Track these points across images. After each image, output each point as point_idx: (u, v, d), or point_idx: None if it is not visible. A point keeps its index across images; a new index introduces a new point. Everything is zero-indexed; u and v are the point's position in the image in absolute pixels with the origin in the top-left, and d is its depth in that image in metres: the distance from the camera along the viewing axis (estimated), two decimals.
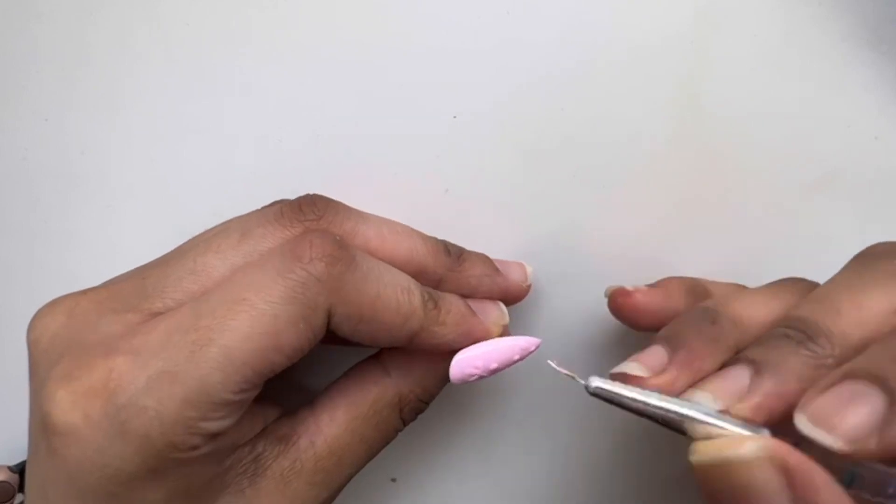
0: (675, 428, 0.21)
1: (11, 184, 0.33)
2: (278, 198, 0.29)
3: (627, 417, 0.23)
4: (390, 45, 0.31)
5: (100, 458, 0.22)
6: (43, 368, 0.24)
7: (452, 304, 0.26)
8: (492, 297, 0.28)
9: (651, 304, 0.26)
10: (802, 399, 0.20)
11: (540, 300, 0.32)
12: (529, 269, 0.30)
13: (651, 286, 0.28)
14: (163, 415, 0.22)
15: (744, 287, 0.26)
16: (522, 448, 0.33)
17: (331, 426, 0.26)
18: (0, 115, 0.32)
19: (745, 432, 0.21)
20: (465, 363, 0.26)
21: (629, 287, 0.26)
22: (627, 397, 0.21)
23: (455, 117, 0.31)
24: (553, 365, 0.24)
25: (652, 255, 0.31)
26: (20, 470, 0.31)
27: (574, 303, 0.32)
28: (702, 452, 0.20)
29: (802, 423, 0.20)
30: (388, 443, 0.28)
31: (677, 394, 0.22)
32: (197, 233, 0.27)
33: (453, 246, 0.29)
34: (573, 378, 0.23)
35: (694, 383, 0.22)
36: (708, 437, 0.21)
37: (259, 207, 0.29)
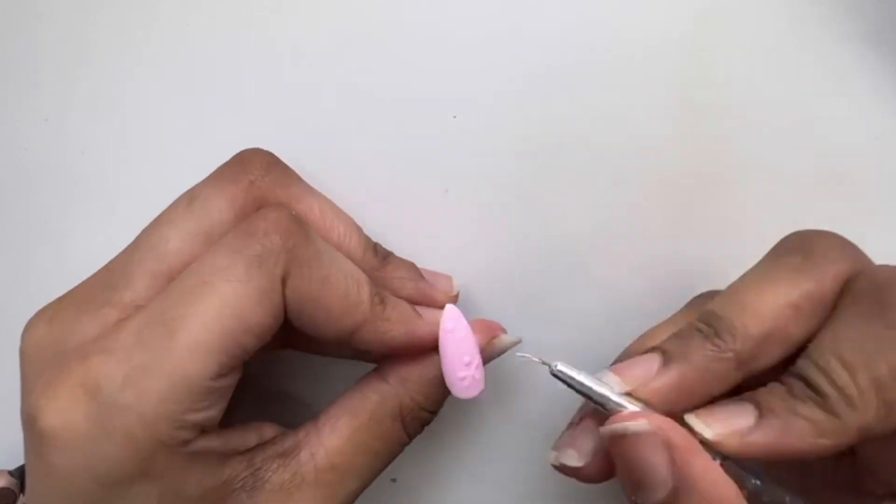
0: (610, 410, 0.24)
1: (11, 184, 0.33)
2: None
3: None
4: (390, 46, 0.31)
5: (87, 462, 0.22)
6: (30, 379, 0.24)
7: (399, 304, 0.26)
8: (415, 302, 0.28)
9: (601, 472, 0.25)
10: (703, 411, 0.23)
11: (540, 300, 0.32)
12: (455, 282, 0.30)
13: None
14: (144, 411, 0.22)
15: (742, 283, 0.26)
16: (522, 448, 0.33)
17: (331, 438, 0.26)
18: (0, 115, 0.32)
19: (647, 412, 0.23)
20: (451, 379, 0.26)
21: (572, 460, 0.25)
22: (575, 380, 0.24)
23: (455, 117, 0.31)
24: (525, 356, 0.25)
25: (652, 255, 0.31)
26: (20, 475, 0.31)
27: (574, 302, 0.32)
28: (606, 425, 0.23)
29: (690, 418, 0.23)
30: (393, 457, 0.27)
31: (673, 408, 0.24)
32: None
33: (381, 248, 0.29)
34: (544, 363, 0.25)
35: (693, 407, 0.24)
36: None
37: None
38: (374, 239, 0.30)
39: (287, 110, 0.32)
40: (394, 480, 0.33)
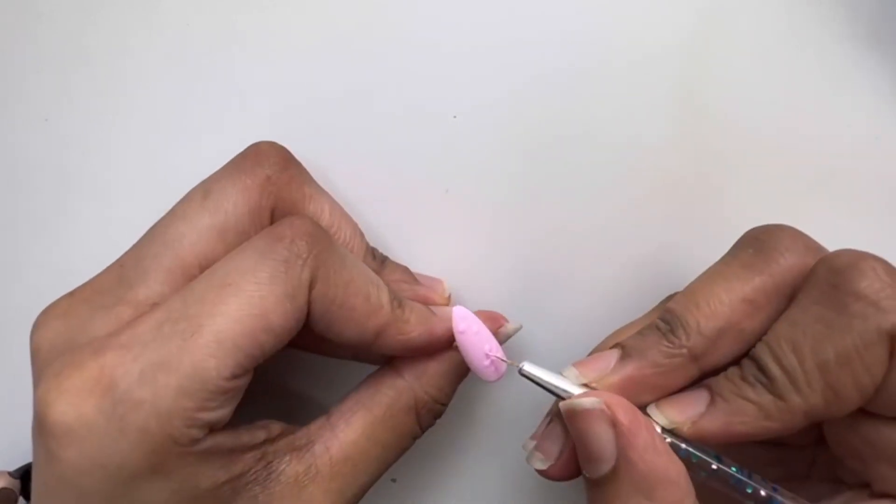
0: None
1: (11, 184, 0.33)
2: None
3: None
4: (391, 46, 0.31)
5: (99, 458, 0.22)
6: (42, 374, 0.24)
7: (415, 306, 0.27)
8: None
9: (565, 472, 0.26)
10: (661, 401, 0.25)
11: (539, 300, 0.32)
12: (447, 285, 0.30)
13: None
14: (159, 406, 0.22)
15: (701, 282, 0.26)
16: (521, 450, 0.33)
17: (346, 431, 0.26)
18: (0, 115, 0.32)
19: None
20: (477, 368, 0.27)
21: (539, 463, 0.26)
22: (540, 378, 0.25)
23: (455, 117, 0.31)
24: (495, 357, 0.27)
25: (652, 255, 0.31)
26: (21, 475, 0.30)
27: (573, 302, 0.32)
28: (563, 402, 0.24)
29: (650, 408, 0.25)
30: (404, 450, 0.28)
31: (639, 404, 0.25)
32: None
33: (378, 252, 0.29)
34: (512, 364, 0.26)
35: (652, 397, 0.25)
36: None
37: None
38: (375, 238, 0.30)
39: (287, 110, 0.31)
40: (394, 480, 0.33)
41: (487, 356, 0.27)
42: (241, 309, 0.23)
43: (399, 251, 0.31)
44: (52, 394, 0.22)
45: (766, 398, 0.23)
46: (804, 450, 0.27)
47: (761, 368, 0.23)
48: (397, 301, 0.26)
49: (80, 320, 0.25)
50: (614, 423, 0.23)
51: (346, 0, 0.31)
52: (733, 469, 0.24)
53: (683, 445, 0.24)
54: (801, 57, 0.30)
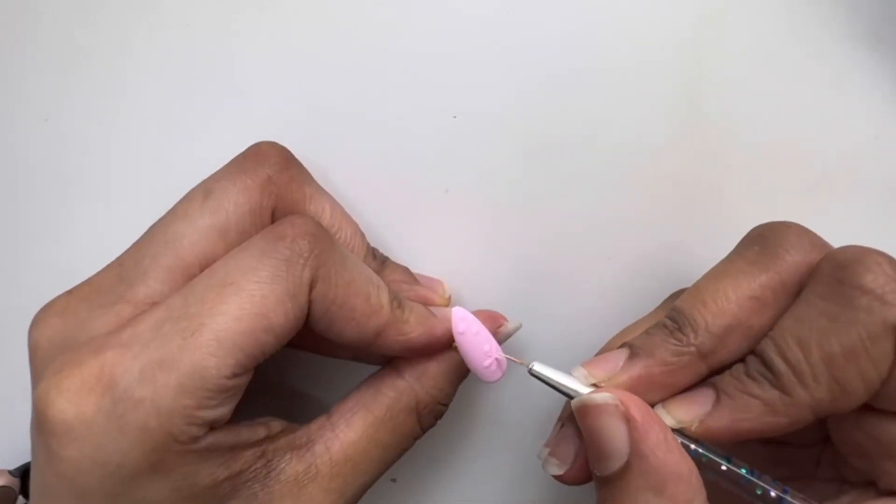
0: None
1: (11, 184, 0.33)
2: None
3: None
4: (391, 46, 0.31)
5: (99, 456, 0.22)
6: (41, 372, 0.24)
7: (414, 306, 0.27)
8: None
9: (580, 476, 0.26)
10: (668, 400, 0.25)
11: (539, 300, 0.32)
12: (447, 286, 0.30)
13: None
14: (159, 404, 0.22)
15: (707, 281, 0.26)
16: (522, 448, 0.33)
17: (347, 432, 0.26)
18: (0, 115, 0.32)
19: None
20: (477, 370, 0.27)
21: (554, 468, 0.26)
22: (550, 378, 0.25)
23: (455, 117, 0.31)
24: (506, 357, 0.27)
25: (653, 255, 0.31)
26: (21, 474, 0.30)
27: (573, 302, 0.32)
28: (575, 399, 0.25)
29: (658, 408, 0.24)
30: (404, 451, 0.28)
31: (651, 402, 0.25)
32: None
33: (379, 253, 0.29)
34: (522, 363, 0.26)
35: (660, 395, 0.25)
36: None
37: None
38: (375, 238, 0.30)
39: (287, 110, 0.31)
40: (394, 480, 0.33)
41: (488, 356, 0.27)
42: (242, 308, 0.23)
43: (399, 251, 0.31)
44: (52, 392, 0.22)
45: (772, 394, 0.23)
46: (809, 449, 0.27)
47: (766, 364, 0.23)
48: (397, 301, 0.26)
49: (79, 318, 0.25)
50: (627, 419, 0.23)
51: (346, 1, 0.31)
52: (743, 470, 0.24)
53: (693, 446, 0.24)
54: (800, 57, 0.30)
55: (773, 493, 0.24)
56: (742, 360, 0.24)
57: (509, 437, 0.33)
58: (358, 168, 0.31)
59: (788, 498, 0.23)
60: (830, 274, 0.23)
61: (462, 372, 0.28)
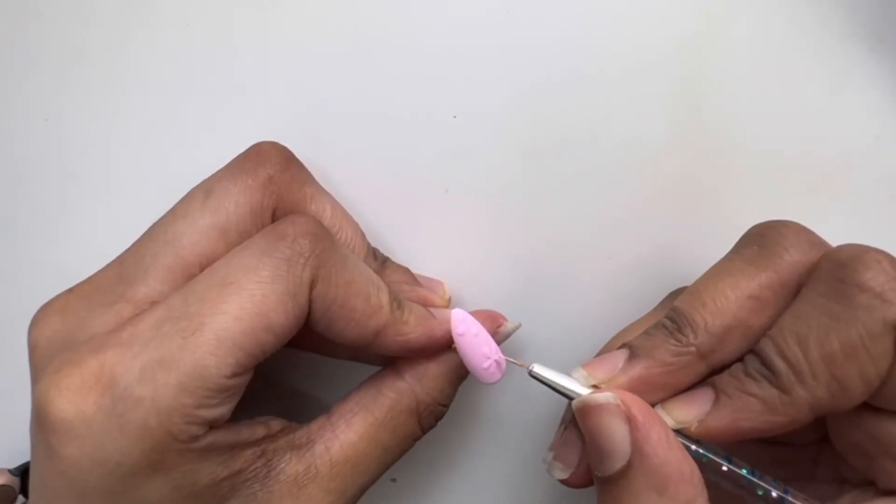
0: None
1: (11, 184, 0.33)
2: None
3: None
4: (391, 46, 0.31)
5: (98, 454, 0.22)
6: (41, 370, 0.24)
7: (414, 307, 0.27)
8: None
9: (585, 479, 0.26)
10: (668, 401, 0.25)
11: (539, 300, 0.32)
12: (447, 287, 0.30)
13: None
14: (159, 403, 0.22)
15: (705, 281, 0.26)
16: (521, 449, 0.33)
17: (347, 432, 0.26)
18: (0, 115, 0.32)
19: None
20: (476, 371, 0.27)
21: (559, 472, 0.26)
22: (550, 380, 0.25)
23: (455, 117, 0.31)
24: (506, 358, 0.27)
25: (651, 256, 0.31)
26: (21, 473, 0.31)
27: (573, 302, 0.32)
28: (576, 400, 0.24)
29: (657, 408, 0.24)
30: (404, 451, 0.28)
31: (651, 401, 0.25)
32: None
33: (380, 253, 0.29)
34: (521, 365, 0.26)
35: (659, 396, 0.25)
36: None
37: None
38: (376, 238, 0.30)
39: (288, 110, 0.31)
40: (394, 480, 0.33)
41: (487, 358, 0.27)
42: (243, 308, 0.23)
43: (399, 251, 0.31)
44: (52, 390, 0.22)
45: (771, 392, 0.23)
46: (807, 449, 0.27)
47: (765, 363, 0.23)
48: (397, 302, 0.26)
49: (79, 317, 0.25)
50: (629, 418, 0.23)
51: (346, 0, 0.31)
52: (744, 470, 0.24)
53: (693, 446, 0.24)
54: (801, 57, 0.30)
55: (774, 494, 0.23)
56: (741, 359, 0.24)
57: (509, 437, 0.33)
58: (358, 168, 0.31)
59: (789, 498, 0.23)
60: (830, 272, 0.23)
61: (462, 373, 0.28)
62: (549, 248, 0.31)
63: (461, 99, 0.31)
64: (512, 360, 0.27)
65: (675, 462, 0.23)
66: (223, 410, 0.23)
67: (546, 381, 0.25)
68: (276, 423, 0.26)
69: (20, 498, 0.30)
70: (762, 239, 0.25)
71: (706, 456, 0.24)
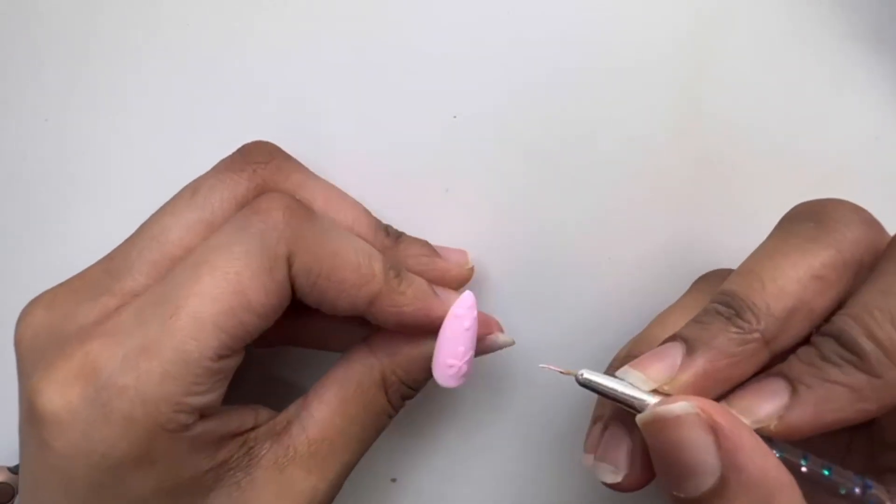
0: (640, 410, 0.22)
1: (11, 184, 0.33)
2: None
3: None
4: (390, 46, 0.31)
5: (85, 445, 0.22)
6: (28, 364, 0.24)
7: (415, 280, 0.26)
8: (430, 279, 0.27)
9: (640, 480, 0.23)
10: (733, 397, 0.22)
11: (539, 300, 0.32)
12: (470, 255, 0.29)
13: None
14: (144, 392, 0.22)
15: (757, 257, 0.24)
16: (522, 449, 0.33)
17: (321, 409, 0.26)
18: (0, 115, 0.32)
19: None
20: (440, 363, 0.26)
21: (610, 476, 0.23)
22: (603, 386, 0.23)
23: (455, 117, 0.31)
24: (549, 367, 0.24)
25: (652, 255, 0.31)
26: (19, 471, 0.30)
27: (573, 302, 0.31)
28: (643, 413, 0.21)
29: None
30: (381, 428, 0.27)
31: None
32: None
33: (392, 229, 0.29)
34: (568, 373, 0.23)
35: (724, 393, 0.22)
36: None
37: None
38: None
39: (287, 110, 0.32)
40: (394, 480, 0.33)
41: (455, 358, 0.26)
42: (217, 287, 0.22)
43: None
44: (39, 382, 0.22)
45: (859, 378, 0.21)
46: (840, 436, 0.25)
47: (846, 345, 0.21)
48: (394, 271, 0.25)
49: (65, 310, 0.24)
50: (714, 428, 0.20)
51: (346, 0, 0.31)
52: (825, 471, 0.22)
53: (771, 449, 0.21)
54: (801, 57, 0.30)
55: (856, 490, 0.22)
56: (804, 344, 0.22)
57: (509, 437, 0.33)
58: (358, 168, 0.31)
59: (874, 492, 0.22)
60: None
61: (431, 353, 0.27)
62: (549, 247, 0.31)
63: (461, 99, 0.31)
64: (557, 369, 0.24)
65: (773, 469, 0.20)
66: (212, 397, 0.23)
67: (600, 389, 0.23)
68: (263, 413, 0.26)
69: (18, 499, 0.30)
70: (817, 216, 0.23)
71: (784, 456, 0.21)
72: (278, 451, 0.25)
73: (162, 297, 0.23)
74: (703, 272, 0.28)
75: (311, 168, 0.29)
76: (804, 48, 0.30)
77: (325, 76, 0.31)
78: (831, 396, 0.21)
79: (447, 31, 0.31)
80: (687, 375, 0.22)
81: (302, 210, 0.24)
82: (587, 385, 0.23)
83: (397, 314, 0.25)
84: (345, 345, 0.28)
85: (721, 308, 0.22)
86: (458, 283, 0.29)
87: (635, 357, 0.23)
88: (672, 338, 0.23)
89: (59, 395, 0.22)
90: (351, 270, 0.24)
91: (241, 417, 0.25)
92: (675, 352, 0.22)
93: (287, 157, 0.28)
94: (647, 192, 0.31)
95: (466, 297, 0.26)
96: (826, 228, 0.23)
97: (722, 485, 0.20)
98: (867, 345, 0.21)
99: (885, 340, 0.21)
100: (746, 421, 0.21)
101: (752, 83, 0.30)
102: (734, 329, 0.22)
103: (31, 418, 0.23)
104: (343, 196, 0.28)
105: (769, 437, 0.21)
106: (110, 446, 0.22)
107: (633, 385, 0.22)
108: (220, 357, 0.22)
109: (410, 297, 0.25)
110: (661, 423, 0.21)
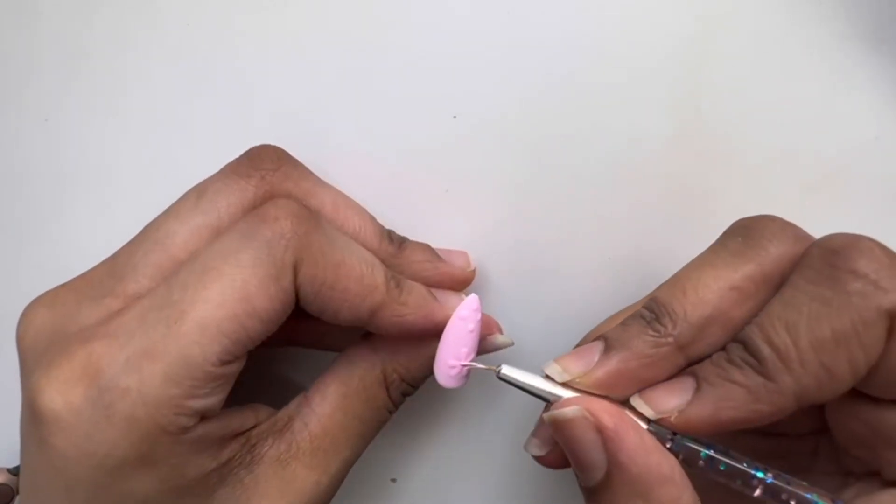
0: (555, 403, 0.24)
1: (11, 184, 0.33)
2: None
3: None
4: (391, 46, 0.31)
5: (87, 446, 0.22)
6: (29, 363, 0.24)
7: (414, 287, 0.26)
8: (435, 284, 0.28)
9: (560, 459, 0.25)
10: (645, 391, 0.24)
11: (539, 299, 0.32)
12: (472, 257, 0.30)
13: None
14: (146, 395, 0.22)
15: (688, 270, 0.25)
16: (522, 448, 0.33)
17: (322, 405, 0.26)
18: (0, 115, 0.32)
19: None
20: (442, 363, 0.26)
21: (535, 449, 0.26)
22: (519, 381, 0.25)
23: (455, 117, 0.31)
24: (470, 364, 0.26)
25: (652, 255, 0.31)
26: (19, 472, 0.30)
27: (573, 303, 0.32)
28: (547, 413, 0.24)
29: (634, 400, 0.24)
30: (382, 423, 0.28)
31: (618, 395, 0.24)
32: None
33: (396, 235, 0.29)
34: (489, 369, 0.25)
35: (637, 389, 0.24)
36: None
37: None
38: None
39: (287, 110, 0.32)
40: (394, 480, 0.33)
41: (458, 359, 0.26)
42: (223, 293, 0.22)
43: None
44: (42, 382, 0.22)
45: (756, 380, 0.22)
46: (805, 440, 0.26)
47: (749, 350, 0.23)
48: (395, 281, 0.26)
49: (67, 310, 0.25)
50: (600, 428, 0.22)
51: (346, 1, 0.31)
52: (728, 458, 0.23)
53: (670, 437, 0.23)
54: (801, 57, 0.30)
55: (761, 478, 0.23)
56: (722, 349, 0.24)
57: (509, 437, 0.33)
58: (358, 168, 0.31)
59: (781, 483, 0.23)
60: (821, 259, 0.22)
61: (432, 351, 0.27)
62: (550, 247, 0.31)
63: (461, 99, 0.31)
64: (477, 365, 0.26)
65: (654, 465, 0.22)
66: (213, 401, 0.23)
67: (516, 384, 0.25)
68: (263, 411, 0.26)
69: (18, 498, 0.30)
70: (746, 231, 0.25)
71: (686, 446, 0.23)
72: (280, 447, 0.25)
73: (167, 301, 0.23)
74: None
75: (312, 168, 0.29)
76: (804, 48, 0.30)
77: (326, 76, 0.31)
78: (729, 396, 0.22)
79: (448, 31, 0.31)
80: (599, 372, 0.24)
81: (309, 218, 0.24)
82: (505, 380, 0.25)
83: (399, 323, 0.26)
84: (344, 345, 0.28)
85: (645, 313, 0.24)
86: (462, 286, 0.29)
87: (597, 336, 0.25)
88: (599, 336, 0.25)
89: (62, 394, 0.22)
90: (355, 281, 0.24)
91: (242, 417, 0.25)
92: (595, 350, 0.24)
93: (295, 164, 0.28)
94: (647, 192, 0.31)
95: (471, 299, 0.26)
96: (751, 243, 0.24)
97: (607, 478, 0.22)
98: (765, 350, 0.22)
99: (781, 347, 0.22)
100: (649, 410, 0.23)
101: (752, 83, 0.30)
102: (651, 332, 0.23)
103: (33, 417, 0.23)
104: (350, 203, 0.28)
105: (673, 430, 0.23)
106: (112, 447, 0.22)
107: (547, 380, 0.24)
108: (223, 362, 0.23)
109: (412, 306, 0.26)
110: (557, 423, 0.23)
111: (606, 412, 0.23)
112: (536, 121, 0.31)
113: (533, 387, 0.25)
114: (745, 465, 0.23)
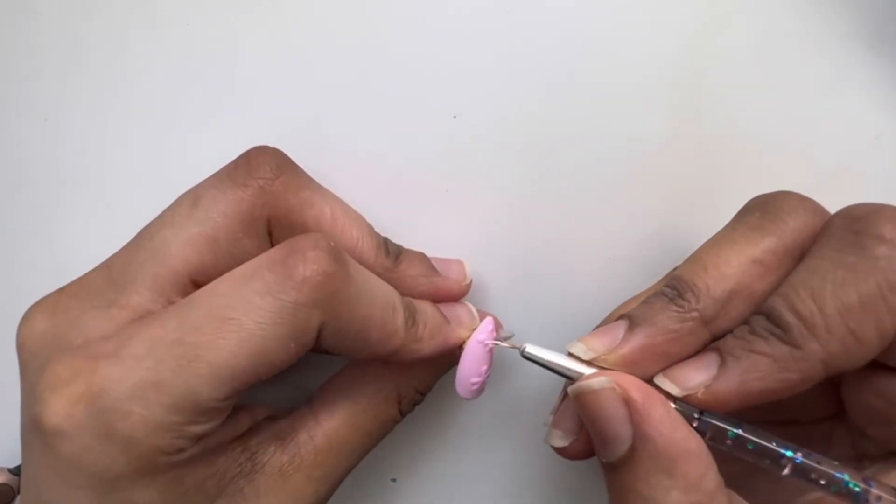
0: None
1: (11, 184, 0.33)
2: None
3: None
4: (391, 46, 0.31)
5: (88, 457, 0.22)
6: (32, 370, 0.24)
7: (428, 318, 0.26)
8: (430, 298, 0.28)
9: (584, 450, 0.25)
10: (670, 368, 0.24)
11: (539, 299, 0.32)
12: (468, 267, 0.30)
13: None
14: (147, 419, 0.22)
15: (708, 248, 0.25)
16: (522, 448, 0.33)
17: (330, 420, 0.26)
18: (0, 115, 0.32)
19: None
20: (463, 380, 0.27)
21: (558, 440, 0.25)
22: (544, 359, 0.25)
23: (455, 117, 0.31)
24: (495, 343, 0.26)
25: (652, 256, 0.31)
26: (20, 472, 0.30)
27: (573, 303, 0.31)
28: (573, 385, 0.24)
29: (658, 378, 0.23)
30: (385, 435, 0.28)
31: (640, 373, 0.24)
32: None
33: (392, 245, 0.28)
34: (514, 347, 0.25)
35: (663, 367, 0.24)
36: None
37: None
38: None
39: (287, 111, 0.31)
40: (394, 480, 0.33)
41: (479, 376, 0.27)
42: (242, 347, 0.22)
43: None
44: (45, 394, 0.22)
45: (782, 349, 0.22)
46: (819, 427, 0.26)
47: (773, 320, 0.22)
48: (412, 319, 0.26)
49: (69, 316, 0.24)
50: (627, 401, 0.22)
51: (346, 1, 0.31)
52: (756, 437, 0.23)
53: (697, 415, 0.23)
54: (801, 57, 0.30)
55: (789, 455, 0.22)
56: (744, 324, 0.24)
57: (509, 437, 0.33)
58: (358, 168, 0.31)
59: (809, 461, 0.22)
60: (845, 227, 0.22)
61: (445, 365, 0.28)
62: (550, 247, 0.31)
63: (461, 99, 0.31)
64: (503, 343, 0.26)
65: (680, 440, 0.22)
66: (212, 426, 0.23)
67: (541, 362, 0.25)
68: (259, 411, 0.26)
69: (19, 498, 0.30)
70: (764, 206, 0.25)
71: (713, 424, 0.23)
72: (283, 458, 0.25)
73: (179, 339, 0.22)
74: None
75: (311, 168, 0.29)
76: (804, 48, 0.30)
77: (325, 76, 0.31)
78: (755, 367, 0.22)
79: (447, 32, 0.31)
80: (625, 349, 0.23)
81: (341, 274, 0.23)
82: (530, 358, 0.25)
83: (419, 358, 0.26)
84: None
85: (666, 290, 0.24)
86: (458, 298, 0.29)
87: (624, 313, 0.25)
88: (622, 315, 0.24)
89: (65, 409, 0.22)
90: (378, 331, 0.24)
91: (236, 421, 0.25)
92: (620, 328, 0.24)
93: (294, 170, 0.27)
94: (647, 192, 0.31)
95: (487, 323, 0.27)
96: (770, 217, 0.24)
97: (632, 452, 0.22)
98: (790, 318, 0.22)
99: (807, 314, 0.22)
100: (675, 388, 0.23)
101: (752, 83, 0.30)
102: (675, 308, 0.23)
103: (35, 426, 0.23)
104: (348, 212, 0.28)
105: (702, 408, 0.23)
106: (111, 461, 0.22)
107: (572, 358, 0.24)
108: (228, 398, 0.23)
109: (427, 341, 0.26)
110: (584, 395, 0.23)
111: (634, 384, 0.23)
112: (536, 121, 0.31)
113: (558, 364, 0.24)
114: (774, 443, 0.23)
